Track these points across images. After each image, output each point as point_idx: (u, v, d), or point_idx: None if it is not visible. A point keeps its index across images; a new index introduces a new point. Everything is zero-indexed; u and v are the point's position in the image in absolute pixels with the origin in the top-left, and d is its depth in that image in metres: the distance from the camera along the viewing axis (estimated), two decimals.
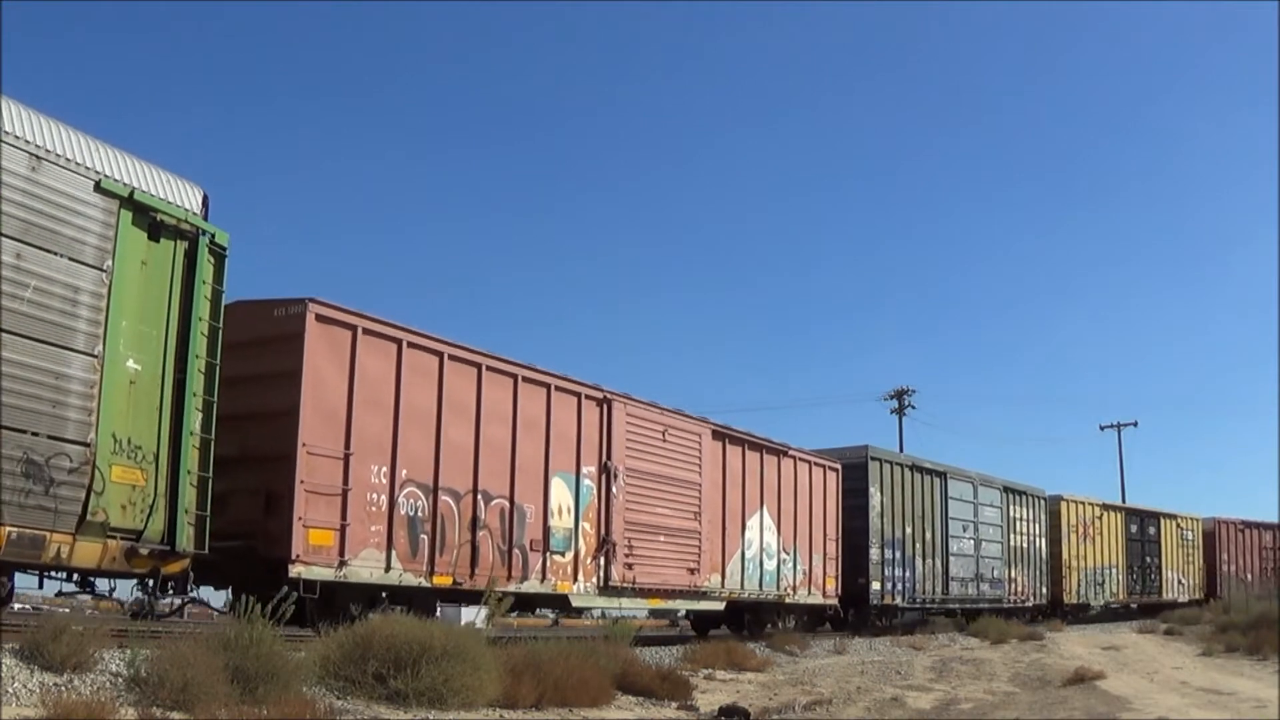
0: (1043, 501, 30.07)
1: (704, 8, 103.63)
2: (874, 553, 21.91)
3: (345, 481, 11.47)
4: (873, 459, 22.27)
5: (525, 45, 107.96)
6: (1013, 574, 27.74)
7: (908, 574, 23.04)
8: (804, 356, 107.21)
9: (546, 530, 13.89)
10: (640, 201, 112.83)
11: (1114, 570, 33.45)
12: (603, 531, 14.88)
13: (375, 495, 11.80)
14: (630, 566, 15.26)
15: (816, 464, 20.41)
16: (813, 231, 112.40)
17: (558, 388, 14.37)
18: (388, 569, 11.87)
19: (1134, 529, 34.86)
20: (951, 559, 24.74)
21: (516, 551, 13.43)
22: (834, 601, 20.68)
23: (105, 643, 7.59)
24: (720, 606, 17.41)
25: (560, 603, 14.36)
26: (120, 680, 7.04)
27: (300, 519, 11.01)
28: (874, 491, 22.18)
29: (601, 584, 14.78)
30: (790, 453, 19.49)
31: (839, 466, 21.25)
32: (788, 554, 19.17)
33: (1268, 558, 40.76)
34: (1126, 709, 10.10)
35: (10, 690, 6.43)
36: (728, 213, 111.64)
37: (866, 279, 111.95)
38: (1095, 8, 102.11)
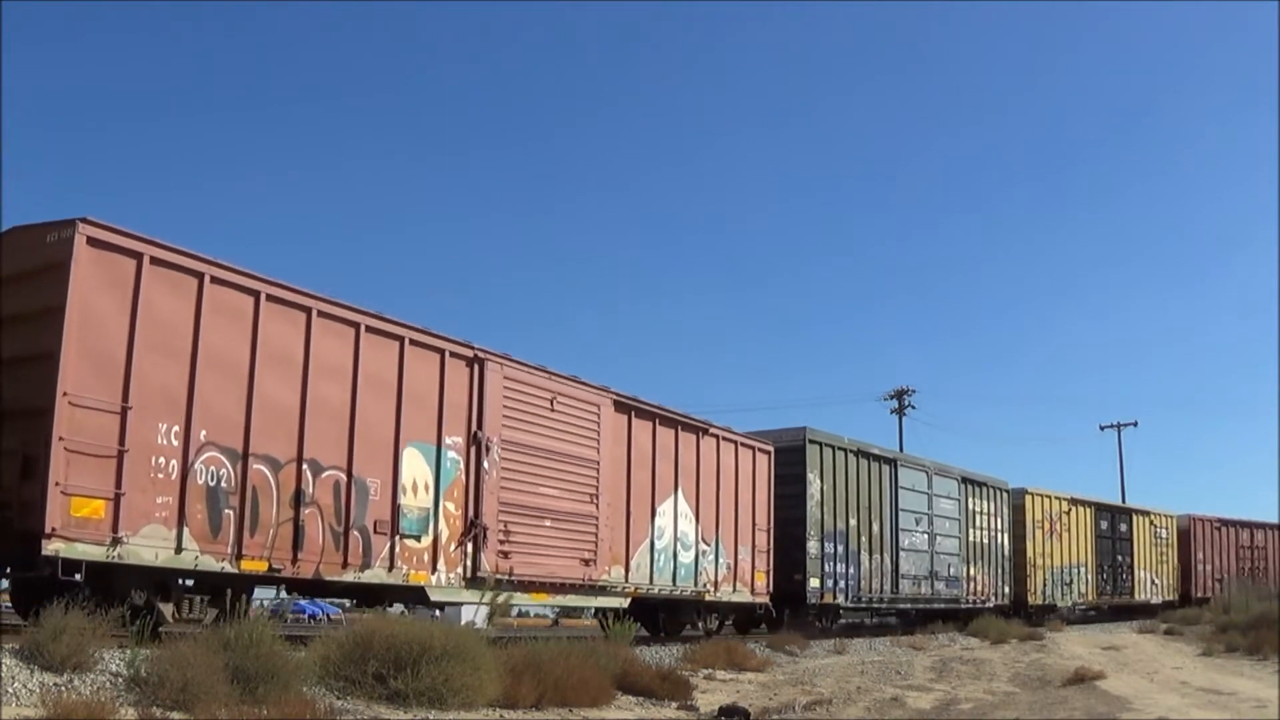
0: (1005, 494, 28.38)
1: (704, 9, 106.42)
2: (812, 546, 20.09)
3: (121, 441, 9.52)
4: (811, 442, 20.46)
5: (527, 47, 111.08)
6: (971, 572, 26.02)
7: (851, 570, 21.24)
8: (804, 357, 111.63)
9: (396, 509, 11.96)
10: (641, 203, 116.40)
11: (1082, 569, 31.82)
12: (471, 513, 12.96)
13: (163, 460, 9.84)
14: (506, 555, 13.35)
15: (745, 445, 18.58)
16: (813, 232, 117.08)
17: (414, 341, 12.46)
18: (179, 549, 9.90)
19: (1104, 525, 33.26)
20: (902, 555, 22.96)
21: (355, 534, 11.48)
22: (765, 600, 18.85)
23: (105, 643, 7.52)
24: (623, 603, 15.52)
25: (414, 596, 12.43)
26: (120, 680, 7.05)
27: (58, 484, 9.07)
28: (813, 478, 20.37)
29: (468, 574, 12.86)
30: (712, 431, 17.65)
31: (771, 449, 19.43)
32: (708, 545, 17.32)
33: (1245, 557, 39.32)
34: (1127, 709, 10.08)
35: (10, 690, 6.45)
36: (728, 214, 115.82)
37: (867, 280, 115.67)
38: (1095, 9, 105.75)
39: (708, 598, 17.25)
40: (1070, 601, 31.29)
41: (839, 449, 21.27)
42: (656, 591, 16.13)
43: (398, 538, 11.94)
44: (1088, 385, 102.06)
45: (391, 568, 11.86)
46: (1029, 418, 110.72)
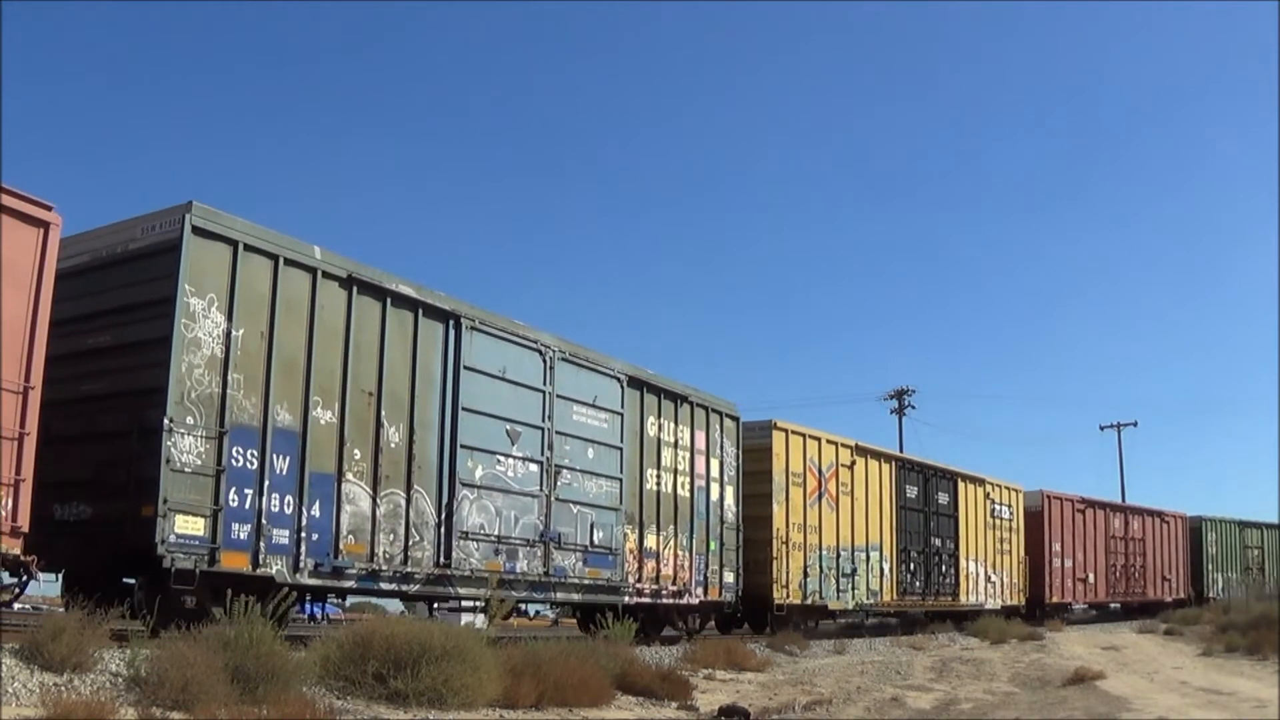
0: (732, 423, 19.23)
1: (728, 25, 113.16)
2: (184, 447, 10.27)
3: None
4: (202, 233, 10.70)
5: (552, 60, 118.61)
6: (647, 542, 16.65)
7: (317, 513, 11.53)
8: (805, 357, 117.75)
9: None
10: (647, 208, 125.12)
11: (875, 555, 23.02)
12: None
13: None
14: None
15: None
16: (815, 233, 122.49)
17: None
18: None
19: (912, 493, 24.61)
20: (466, 494, 13.37)
21: None
22: None
23: (105, 643, 7.76)
24: None
25: None
26: (120, 680, 7.35)
27: None
28: (204, 309, 10.58)
29: None
30: None
31: (52, 219, 9.64)
32: None
33: (1115, 549, 31.44)
34: (1126, 709, 10.45)
35: (10, 690, 6.73)
36: (732, 218, 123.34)
37: (868, 280, 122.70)
38: (1100, 18, 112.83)
39: None
40: (853, 602, 22.38)
41: (292, 263, 11.53)
42: None
43: None
44: (1088, 386, 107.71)
45: None
46: (1029, 418, 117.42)
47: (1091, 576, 30.25)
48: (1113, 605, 33.38)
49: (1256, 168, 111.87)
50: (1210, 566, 35.91)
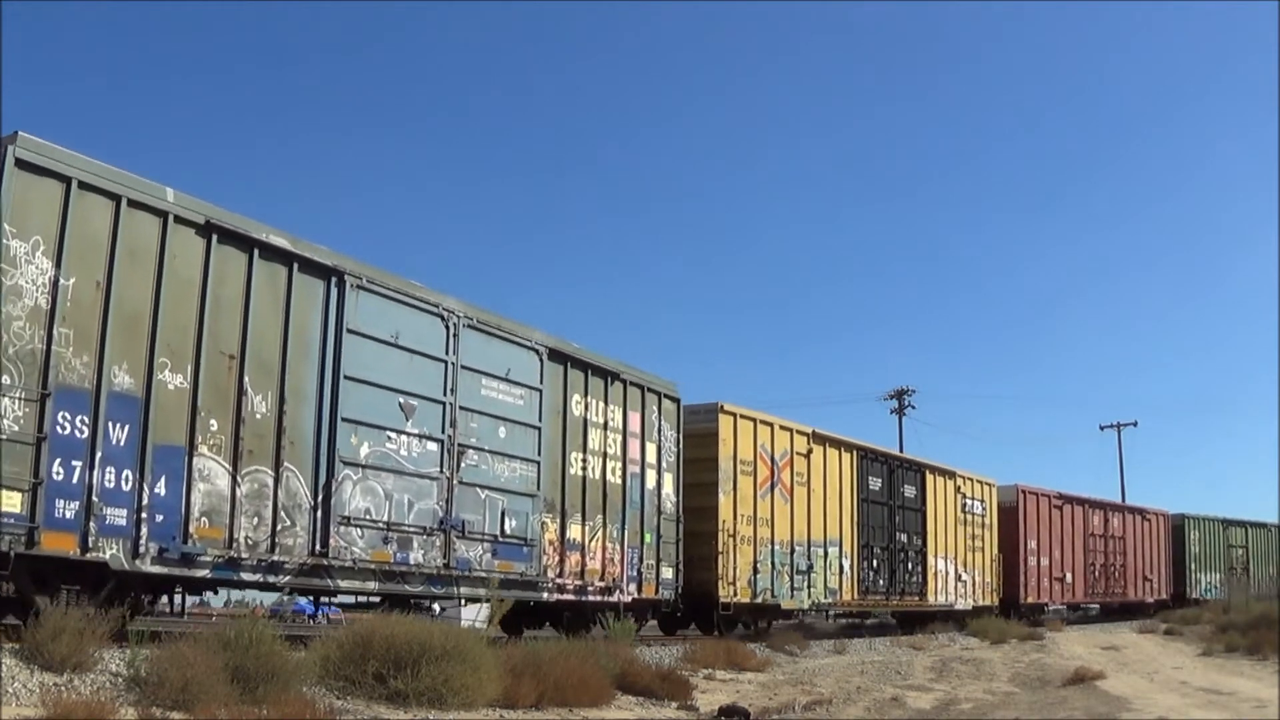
0: (671, 405, 18.06)
1: (728, 25, 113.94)
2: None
3: None
4: (28, 167, 9.42)
5: (552, 60, 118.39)
6: (569, 533, 15.48)
7: (169, 493, 10.32)
8: (805, 356, 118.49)
9: None
10: (647, 208, 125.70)
11: (833, 550, 21.89)
12: None
13: None
14: None
15: None
16: (816, 234, 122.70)
17: None
18: None
19: (876, 484, 23.47)
20: (348, 474, 12.15)
21: None
22: None
23: (105, 643, 7.86)
24: None
25: None
26: (120, 680, 7.48)
27: None
28: (29, 251, 9.30)
29: None
30: None
31: None
32: None
33: (1094, 548, 30.35)
34: (1126, 709, 10.72)
35: (10, 690, 6.83)
36: (732, 218, 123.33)
37: (869, 280, 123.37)
38: (1100, 18, 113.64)
39: None
40: (808, 601, 21.25)
41: (137, 205, 10.27)
42: None
43: None
44: (1088, 386, 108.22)
45: None
46: (1029, 418, 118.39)
47: (1069, 576, 29.17)
48: (1092, 607, 32.35)
49: (1256, 168, 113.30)
50: (1194, 566, 34.91)
